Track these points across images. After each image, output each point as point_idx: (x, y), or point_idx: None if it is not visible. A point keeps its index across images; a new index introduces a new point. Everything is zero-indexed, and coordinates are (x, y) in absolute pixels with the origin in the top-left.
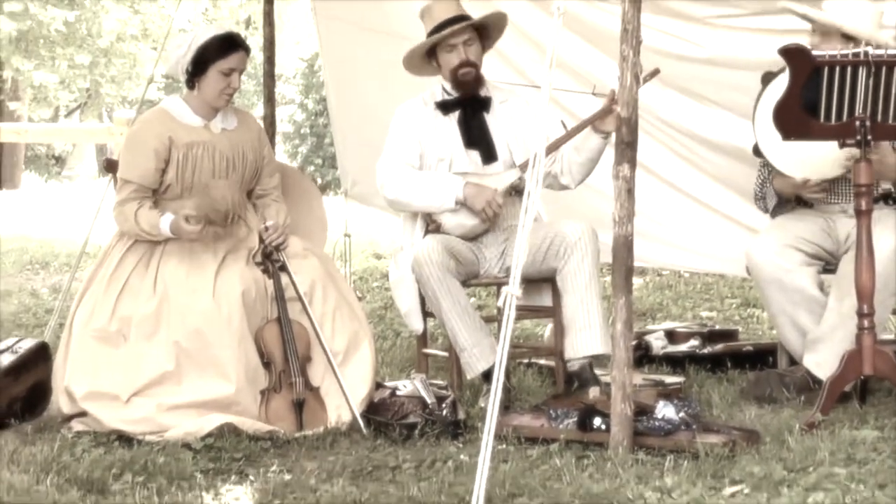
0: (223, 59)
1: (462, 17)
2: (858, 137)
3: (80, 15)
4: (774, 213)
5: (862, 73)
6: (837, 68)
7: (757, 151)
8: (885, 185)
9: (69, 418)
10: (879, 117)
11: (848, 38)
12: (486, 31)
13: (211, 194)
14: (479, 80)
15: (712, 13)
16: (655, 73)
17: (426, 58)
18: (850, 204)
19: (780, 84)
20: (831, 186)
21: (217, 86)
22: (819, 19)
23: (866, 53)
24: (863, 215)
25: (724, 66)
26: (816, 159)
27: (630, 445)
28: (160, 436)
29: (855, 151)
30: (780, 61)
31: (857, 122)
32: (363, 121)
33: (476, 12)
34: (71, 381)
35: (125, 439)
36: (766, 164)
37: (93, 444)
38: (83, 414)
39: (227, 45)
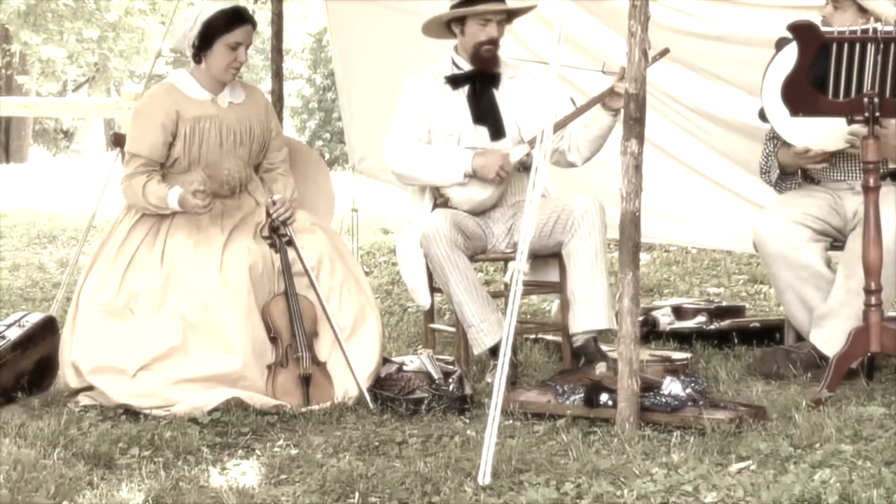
0: (229, 33)
1: None
2: (866, 114)
3: None
4: (777, 185)
5: (870, 49)
6: (846, 45)
7: (763, 116)
8: (892, 166)
9: (76, 392)
10: (888, 94)
11: (863, 11)
12: (510, 13)
13: (219, 171)
14: (496, 59)
15: None
16: (665, 52)
17: (446, 25)
18: (857, 181)
19: (793, 51)
20: (838, 163)
21: (223, 60)
22: None
23: (875, 30)
24: (870, 192)
25: (733, 43)
26: (820, 130)
27: (637, 421)
28: (167, 410)
29: (856, 128)
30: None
31: (866, 99)
32: (371, 96)
33: None
34: (78, 356)
35: (132, 413)
36: (772, 138)
37: (99, 418)
38: (90, 388)
39: (233, 18)
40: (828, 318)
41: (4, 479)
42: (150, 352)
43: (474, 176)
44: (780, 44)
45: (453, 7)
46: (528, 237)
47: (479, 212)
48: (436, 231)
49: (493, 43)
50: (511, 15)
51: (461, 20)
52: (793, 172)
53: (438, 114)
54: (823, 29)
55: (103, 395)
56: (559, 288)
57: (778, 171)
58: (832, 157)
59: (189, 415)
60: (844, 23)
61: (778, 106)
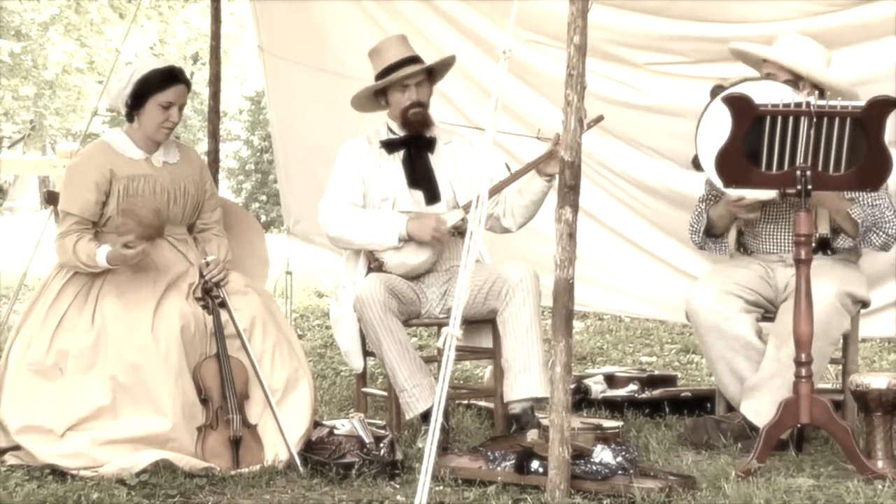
0: (162, 93)
1: (414, 59)
2: (798, 187)
3: (26, 46)
4: (704, 244)
5: (803, 123)
6: (779, 118)
7: (697, 164)
8: (822, 231)
9: (2, 452)
10: (820, 167)
11: (797, 79)
12: (433, 70)
13: (137, 213)
14: (427, 120)
15: (652, 59)
16: (599, 119)
17: (374, 96)
18: (788, 253)
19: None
20: (770, 235)
21: (156, 119)
22: (772, 58)
23: (808, 104)
24: (802, 264)
25: (667, 114)
26: None
27: (567, 489)
28: (94, 471)
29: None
30: None
31: (798, 172)
32: (307, 159)
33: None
34: (5, 415)
35: (59, 474)
36: (705, 200)
37: (26, 478)
38: (17, 448)
39: (166, 78)
40: (758, 388)
41: None
42: (79, 412)
43: (409, 240)
44: (716, 91)
45: (376, 78)
46: (461, 303)
47: (414, 276)
48: (369, 295)
49: (420, 105)
50: (432, 75)
51: (384, 91)
52: (721, 234)
53: (373, 178)
54: (757, 102)
55: (30, 455)
56: (492, 354)
57: (706, 223)
58: (764, 229)
59: (117, 476)
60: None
61: (711, 154)
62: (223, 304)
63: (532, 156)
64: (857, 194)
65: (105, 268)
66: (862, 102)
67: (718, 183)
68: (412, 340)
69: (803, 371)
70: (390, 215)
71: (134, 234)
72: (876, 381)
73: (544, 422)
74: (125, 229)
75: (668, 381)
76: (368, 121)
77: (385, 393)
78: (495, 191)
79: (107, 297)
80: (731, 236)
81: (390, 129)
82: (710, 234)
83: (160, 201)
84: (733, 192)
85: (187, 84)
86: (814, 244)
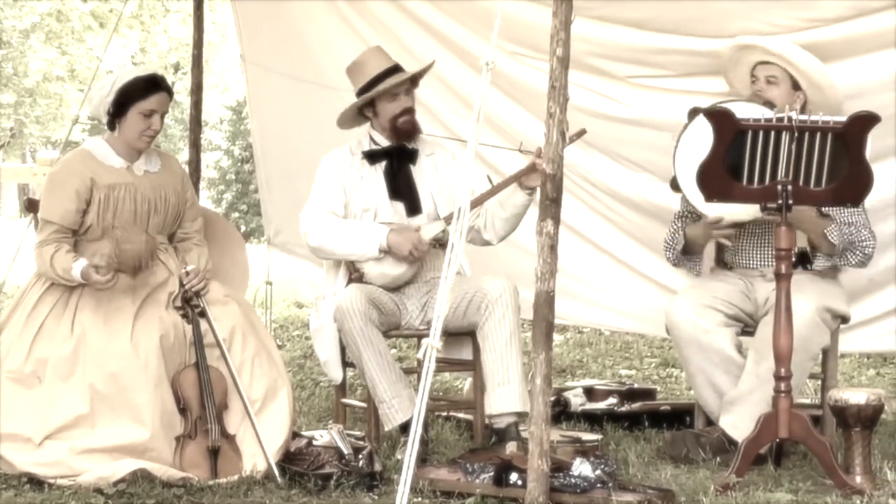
0: (144, 100)
1: (396, 68)
2: (780, 201)
3: (7, 54)
4: (678, 261)
5: (785, 137)
6: (761, 132)
7: (675, 185)
8: (801, 245)
9: None
10: (801, 182)
11: (796, 87)
12: (415, 78)
13: (122, 247)
14: (416, 127)
15: (635, 72)
16: (582, 133)
17: (357, 110)
18: (768, 268)
19: (705, 121)
20: (750, 250)
21: (138, 127)
22: (787, 56)
23: (790, 119)
24: (782, 279)
25: (649, 127)
26: None
27: (546, 502)
28: (72, 480)
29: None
30: None
31: (779, 186)
32: (288, 169)
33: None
34: None
35: (36, 482)
36: (681, 217)
37: (3, 486)
38: None
39: (148, 86)
40: (737, 403)
41: None
42: (57, 420)
43: (389, 252)
44: (693, 113)
45: (359, 93)
46: (442, 315)
47: (394, 287)
48: (350, 305)
49: (409, 112)
50: (414, 82)
51: (371, 103)
52: (696, 252)
53: (355, 188)
54: (739, 116)
55: (8, 464)
56: (472, 366)
57: (682, 243)
58: (744, 244)
59: (94, 485)
60: (777, 97)
61: (690, 175)
62: (203, 314)
63: (514, 168)
64: (833, 211)
65: (79, 282)
66: (843, 118)
67: (697, 204)
68: (392, 352)
69: (782, 386)
70: (371, 226)
71: (108, 261)
72: (855, 396)
73: (523, 434)
74: (108, 250)
75: (648, 394)
76: (350, 131)
77: (364, 404)
78: (476, 203)
79: (86, 306)
80: (710, 251)
81: (373, 140)
82: (686, 252)
83: (153, 252)
84: (711, 213)
85: (169, 92)
86: (793, 258)
